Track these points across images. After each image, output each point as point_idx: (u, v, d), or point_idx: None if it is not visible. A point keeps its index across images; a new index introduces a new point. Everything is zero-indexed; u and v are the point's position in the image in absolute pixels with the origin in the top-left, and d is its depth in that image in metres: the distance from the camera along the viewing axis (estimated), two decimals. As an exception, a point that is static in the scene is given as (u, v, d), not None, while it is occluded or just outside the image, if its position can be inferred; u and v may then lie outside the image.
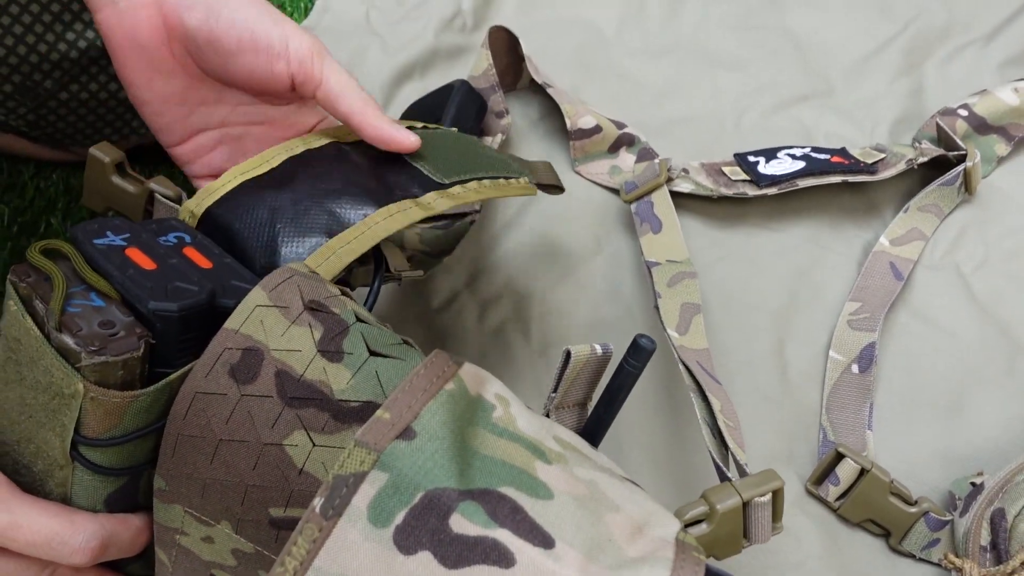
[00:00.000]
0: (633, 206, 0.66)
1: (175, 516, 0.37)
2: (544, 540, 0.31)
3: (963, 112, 0.68)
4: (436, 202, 0.45)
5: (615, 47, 0.78)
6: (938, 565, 0.54)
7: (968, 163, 0.64)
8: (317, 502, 0.30)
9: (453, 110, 0.65)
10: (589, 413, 0.41)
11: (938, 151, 0.65)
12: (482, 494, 0.31)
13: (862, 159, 0.66)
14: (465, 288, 0.64)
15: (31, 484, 0.37)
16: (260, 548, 0.36)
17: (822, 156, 0.66)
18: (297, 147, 0.47)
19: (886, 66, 0.75)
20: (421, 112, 0.68)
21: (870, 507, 0.54)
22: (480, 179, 0.48)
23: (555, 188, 0.58)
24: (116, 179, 0.47)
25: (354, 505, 0.30)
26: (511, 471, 0.32)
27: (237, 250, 0.42)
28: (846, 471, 0.55)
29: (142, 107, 0.49)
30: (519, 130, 0.72)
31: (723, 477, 0.45)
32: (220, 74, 0.47)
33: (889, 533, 0.55)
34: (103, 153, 0.47)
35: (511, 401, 0.35)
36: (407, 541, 0.30)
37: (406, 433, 0.32)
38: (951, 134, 0.66)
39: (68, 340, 0.33)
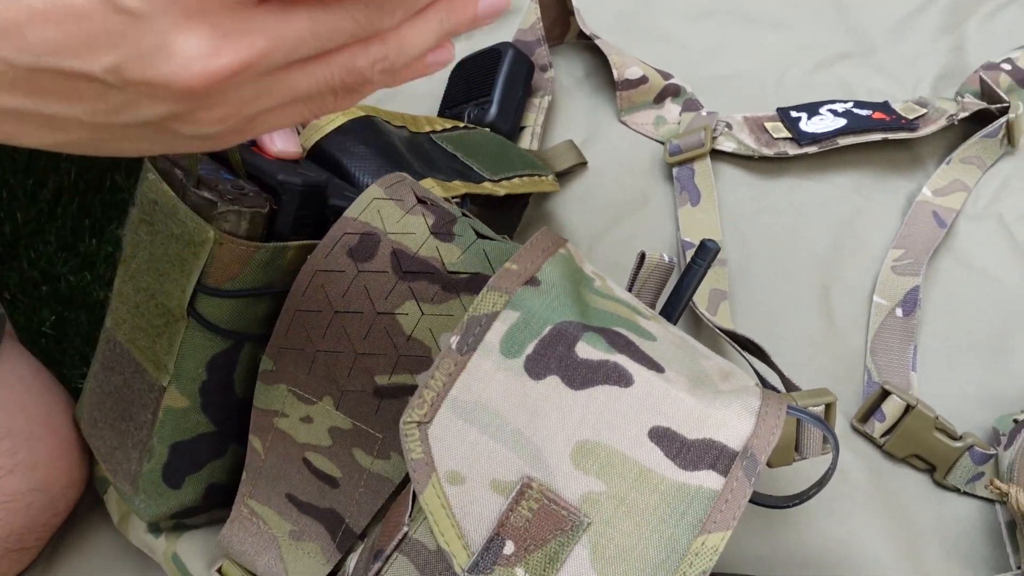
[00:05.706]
0: (675, 170, 0.71)
1: (277, 397, 0.42)
2: (656, 367, 0.36)
3: (1006, 66, 0.73)
4: (493, 189, 0.57)
5: (657, 9, 0.84)
6: (981, 498, 0.60)
7: (1011, 115, 0.70)
8: (453, 340, 0.36)
9: (502, 81, 0.71)
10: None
11: (981, 104, 0.70)
12: (601, 329, 0.37)
13: (904, 114, 0.71)
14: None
15: (151, 340, 0.43)
16: (358, 423, 0.41)
17: (864, 112, 0.72)
18: (358, 113, 0.54)
19: (927, 25, 0.80)
20: (468, 75, 0.73)
21: (915, 442, 0.59)
22: (521, 176, 0.62)
23: (580, 166, 0.71)
24: None
25: (487, 340, 0.36)
26: (619, 319, 0.38)
27: (344, 178, 0.49)
28: (892, 408, 0.60)
29: None
30: (565, 88, 0.78)
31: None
32: None
33: (934, 468, 0.60)
34: None
35: (606, 277, 0.41)
36: (537, 367, 0.35)
37: (532, 281, 0.37)
38: (994, 87, 0.71)
39: (206, 193, 0.39)
